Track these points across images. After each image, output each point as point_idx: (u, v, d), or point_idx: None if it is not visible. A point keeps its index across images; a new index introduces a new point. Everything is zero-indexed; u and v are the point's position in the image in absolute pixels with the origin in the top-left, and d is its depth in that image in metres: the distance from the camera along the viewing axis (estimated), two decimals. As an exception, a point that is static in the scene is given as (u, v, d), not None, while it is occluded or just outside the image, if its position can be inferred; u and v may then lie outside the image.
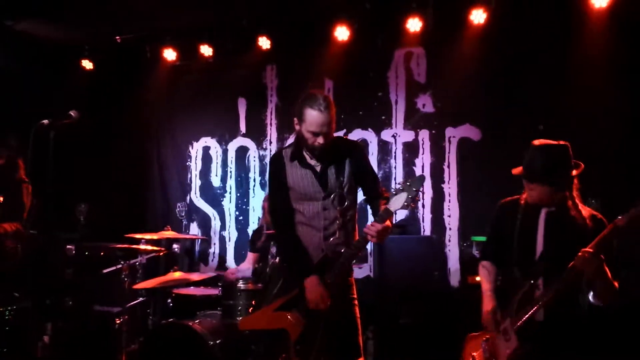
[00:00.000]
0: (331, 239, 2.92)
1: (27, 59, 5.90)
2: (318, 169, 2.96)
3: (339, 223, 2.93)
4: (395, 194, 2.62)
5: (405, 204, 2.59)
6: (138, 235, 4.65)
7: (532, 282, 2.65)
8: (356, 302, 3.01)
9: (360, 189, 3.10)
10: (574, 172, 2.65)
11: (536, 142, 2.70)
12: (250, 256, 5.09)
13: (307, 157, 2.98)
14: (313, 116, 2.80)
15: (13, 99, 5.61)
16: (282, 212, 3.05)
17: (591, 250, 2.44)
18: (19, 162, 4.36)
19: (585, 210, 2.69)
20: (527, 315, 2.58)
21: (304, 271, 2.88)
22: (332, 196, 2.93)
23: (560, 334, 2.61)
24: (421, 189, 2.59)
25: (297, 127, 2.95)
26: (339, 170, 2.95)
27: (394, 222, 5.33)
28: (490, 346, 2.71)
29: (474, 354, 2.81)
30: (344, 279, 2.96)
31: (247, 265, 5.05)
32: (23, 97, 5.66)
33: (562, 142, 2.66)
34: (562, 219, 2.67)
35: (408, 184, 2.60)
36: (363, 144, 5.62)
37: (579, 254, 2.46)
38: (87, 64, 6.19)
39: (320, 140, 2.83)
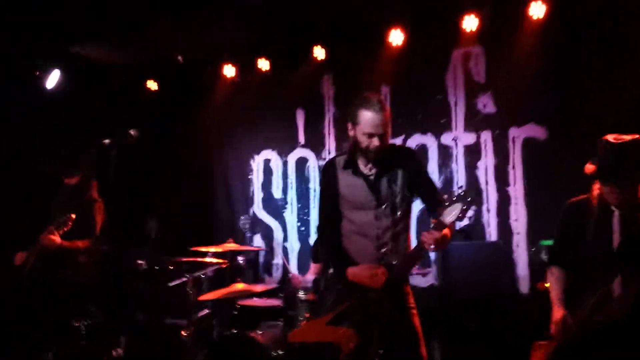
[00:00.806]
0: (384, 249, 2.87)
1: (94, 83, 6.21)
2: (371, 177, 2.92)
3: (391, 233, 2.88)
4: (449, 205, 2.49)
5: (460, 215, 2.48)
6: (203, 249, 4.76)
7: (608, 285, 2.51)
8: (415, 311, 2.93)
9: (418, 198, 3.02)
10: None
11: (609, 137, 2.56)
12: (313, 267, 5.08)
13: (361, 166, 2.94)
14: (367, 117, 2.78)
15: (81, 121, 5.92)
16: (327, 220, 3.05)
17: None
18: (92, 181, 4.58)
19: None
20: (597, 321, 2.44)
21: (344, 264, 2.86)
22: (384, 205, 2.87)
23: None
24: (475, 199, 2.46)
25: (351, 133, 2.92)
26: (392, 179, 2.89)
27: (456, 228, 5.24)
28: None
29: None
30: (400, 288, 2.89)
31: (310, 276, 5.05)
32: (91, 119, 5.95)
33: (636, 136, 2.50)
34: (636, 221, 2.53)
35: (462, 194, 2.48)
36: (420, 152, 5.52)
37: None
38: (151, 85, 6.45)
39: (375, 142, 2.79)
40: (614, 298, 2.47)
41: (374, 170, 2.92)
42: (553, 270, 2.84)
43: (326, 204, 3.07)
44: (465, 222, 5.28)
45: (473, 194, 2.48)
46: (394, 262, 2.79)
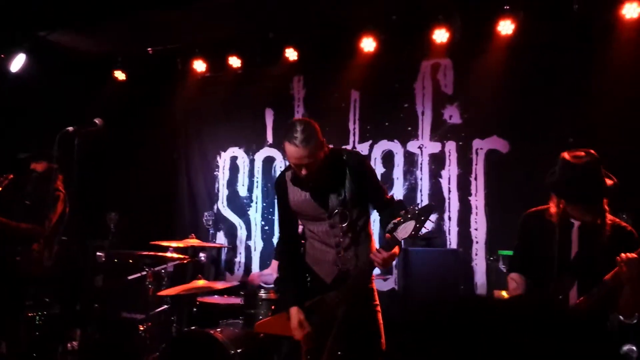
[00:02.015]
0: (343, 254, 2.90)
1: (60, 70, 6.08)
2: (317, 191, 2.89)
3: (350, 238, 2.90)
4: (403, 222, 2.52)
5: (413, 232, 2.52)
6: (165, 243, 4.72)
7: (561, 297, 2.61)
8: (378, 308, 2.97)
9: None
10: (607, 185, 2.60)
11: (567, 155, 2.64)
12: (275, 264, 5.11)
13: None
14: (290, 150, 2.70)
15: (45, 109, 5.78)
16: (285, 237, 3.11)
17: (636, 255, 2.41)
18: (58, 173, 4.49)
19: (616, 224, 2.65)
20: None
21: (289, 301, 2.92)
22: (334, 214, 2.88)
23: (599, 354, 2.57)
24: (430, 219, 2.52)
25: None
26: (338, 187, 2.86)
27: (403, 247, 5.33)
28: None
29: None
30: (364, 285, 2.93)
31: (270, 272, 5.06)
32: (55, 107, 5.82)
33: (591, 153, 2.61)
34: (594, 233, 2.63)
35: (417, 212, 2.51)
36: (386, 157, 5.63)
37: (622, 256, 2.42)
38: (119, 75, 6.35)
39: (303, 171, 2.74)
40: (569, 307, 2.57)
41: (318, 183, 2.89)
42: (513, 276, 2.90)
43: (281, 220, 3.12)
44: (427, 229, 5.39)
45: (428, 214, 2.50)
46: (350, 269, 2.84)
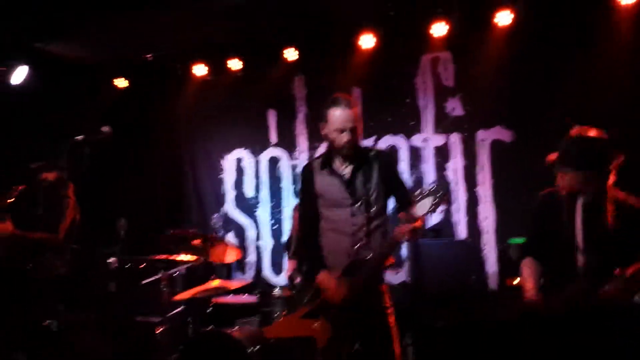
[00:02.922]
0: (358, 244, 2.95)
1: (60, 80, 6.08)
2: (346, 176, 3.01)
3: (366, 229, 2.96)
4: (420, 199, 2.64)
5: (431, 208, 2.62)
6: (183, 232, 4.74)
7: (580, 279, 2.60)
8: (389, 310, 3.02)
9: (391, 198, 3.12)
10: (612, 162, 2.60)
11: (574, 130, 2.68)
12: (290, 264, 5.12)
13: (336, 165, 3.04)
14: (336, 114, 2.93)
15: (48, 119, 5.80)
16: (308, 219, 3.15)
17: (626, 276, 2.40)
18: (69, 182, 4.52)
19: (622, 201, 2.64)
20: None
21: (317, 268, 2.97)
22: (359, 202, 2.97)
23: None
24: (447, 193, 2.60)
25: (323, 133, 3.04)
26: (367, 177, 2.99)
27: (427, 226, 5.38)
28: None
29: None
30: (374, 287, 2.97)
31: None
32: (58, 117, 5.83)
33: (601, 132, 2.64)
34: (598, 208, 2.63)
35: (432, 188, 2.63)
36: (393, 151, 5.65)
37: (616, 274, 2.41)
38: (120, 83, 6.38)
39: (345, 136, 2.92)
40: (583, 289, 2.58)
41: (348, 169, 3.03)
42: (527, 262, 2.90)
43: (306, 205, 3.17)
44: (436, 220, 5.44)
45: (444, 189, 2.65)
46: (367, 257, 2.88)
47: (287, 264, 5.13)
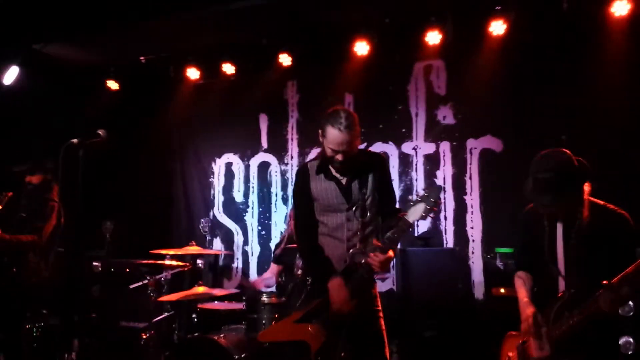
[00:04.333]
0: (353, 250, 2.94)
1: (54, 81, 6.07)
2: (343, 181, 3.01)
3: (360, 235, 2.95)
4: (414, 205, 2.63)
5: (424, 214, 2.61)
6: (163, 251, 4.72)
7: (571, 291, 2.60)
8: (381, 314, 3.02)
9: None
10: (585, 185, 2.58)
11: (533, 165, 2.61)
12: (273, 267, 5.10)
13: (332, 170, 3.04)
14: (333, 135, 2.85)
15: (41, 120, 5.77)
16: (305, 223, 3.10)
17: (614, 284, 2.34)
18: (52, 184, 4.48)
19: (599, 207, 2.62)
20: (561, 331, 2.52)
21: (327, 273, 2.91)
22: (354, 208, 2.96)
23: (598, 347, 2.56)
24: (439, 200, 2.59)
25: (320, 140, 3.01)
26: (363, 182, 2.98)
27: (417, 234, 5.39)
28: (526, 350, 2.67)
29: (510, 354, 2.79)
30: (367, 291, 2.97)
31: (270, 275, 5.04)
32: (51, 118, 5.80)
33: (558, 152, 2.56)
34: (578, 227, 2.60)
35: (426, 194, 2.62)
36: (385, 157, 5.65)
37: (604, 287, 2.39)
38: (112, 85, 6.34)
39: (339, 157, 2.88)
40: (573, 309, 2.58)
41: (345, 175, 3.02)
42: (520, 274, 2.92)
43: (302, 207, 3.14)
44: (424, 228, 5.44)
45: (436, 195, 2.60)
46: (362, 261, 2.86)
47: (271, 267, 5.10)
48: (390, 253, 2.75)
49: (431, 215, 2.63)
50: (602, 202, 2.66)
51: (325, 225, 3.03)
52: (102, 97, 6.35)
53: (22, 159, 4.56)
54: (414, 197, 2.65)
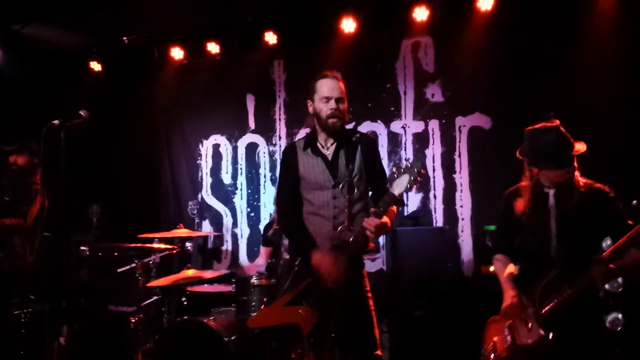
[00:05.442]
0: (340, 227, 2.91)
1: (36, 63, 5.93)
2: (329, 157, 2.98)
3: (348, 213, 2.91)
4: (397, 177, 2.57)
5: (408, 185, 2.56)
6: (151, 235, 4.67)
7: (558, 270, 2.61)
8: (370, 294, 3.00)
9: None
10: (577, 150, 2.65)
11: (532, 127, 2.72)
12: (264, 250, 5.09)
13: (320, 144, 3.01)
14: (323, 83, 2.96)
15: (23, 103, 5.65)
16: (287, 200, 3.08)
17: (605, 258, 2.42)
18: (37, 167, 4.40)
19: (589, 184, 2.69)
20: (549, 306, 2.54)
21: (309, 245, 2.89)
22: (341, 184, 2.93)
23: (584, 324, 2.58)
24: (423, 169, 2.54)
25: (310, 109, 3.00)
26: (350, 158, 2.95)
27: (406, 213, 5.37)
28: (512, 333, 2.67)
29: (495, 339, 2.78)
30: (355, 271, 2.94)
31: (262, 260, 5.04)
32: (33, 100, 5.69)
33: (554, 123, 2.67)
34: (569, 195, 2.66)
35: (409, 165, 2.57)
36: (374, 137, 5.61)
37: (594, 260, 2.43)
38: (95, 66, 6.21)
39: (332, 104, 2.90)
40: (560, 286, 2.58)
41: (332, 149, 2.98)
42: (498, 257, 2.94)
43: (286, 187, 3.10)
44: (414, 207, 5.43)
45: (419, 165, 2.54)
46: (350, 239, 2.82)
47: (262, 251, 5.08)
48: (386, 219, 2.70)
49: (416, 185, 2.59)
50: (589, 180, 2.70)
51: (312, 203, 2.99)
52: (86, 78, 6.23)
53: (6, 141, 4.46)
54: (397, 169, 2.58)
